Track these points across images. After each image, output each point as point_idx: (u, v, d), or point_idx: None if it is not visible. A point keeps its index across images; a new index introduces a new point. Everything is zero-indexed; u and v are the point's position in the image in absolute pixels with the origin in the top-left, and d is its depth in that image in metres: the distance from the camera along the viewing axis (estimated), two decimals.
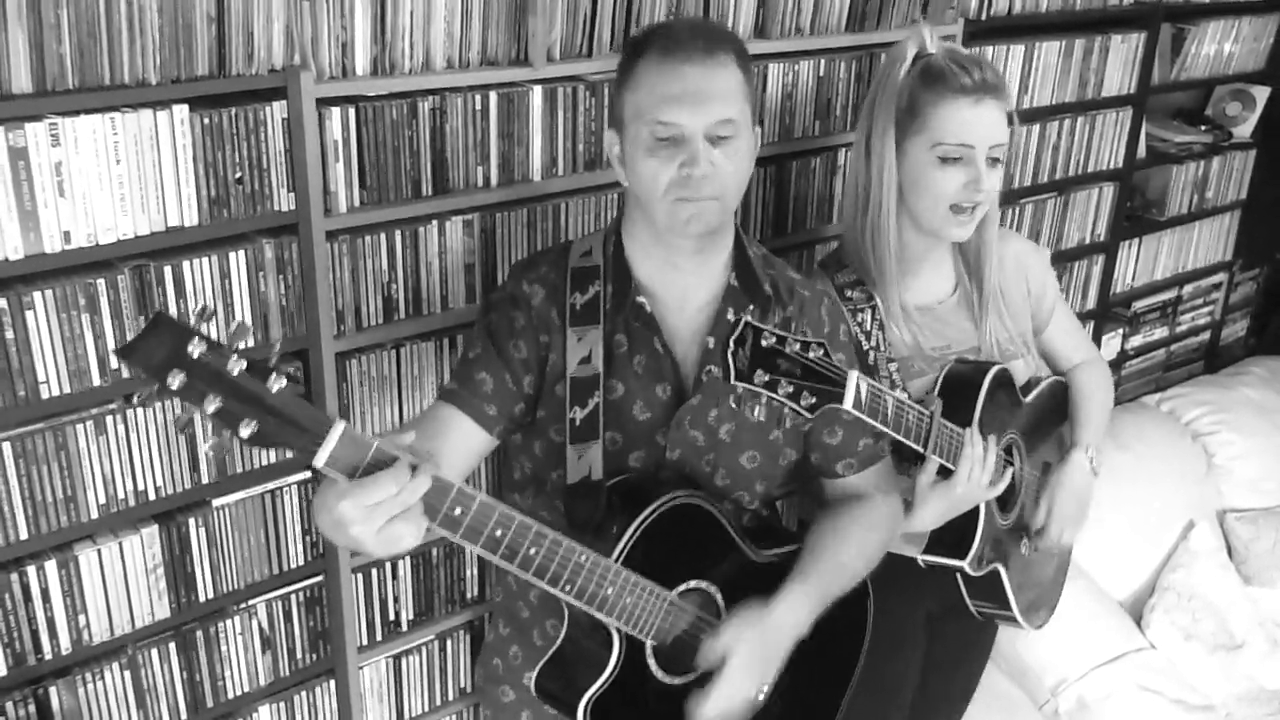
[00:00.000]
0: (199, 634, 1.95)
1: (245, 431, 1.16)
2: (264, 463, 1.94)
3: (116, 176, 1.67)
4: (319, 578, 2.07)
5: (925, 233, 2.01)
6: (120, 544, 1.82)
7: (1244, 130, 3.88)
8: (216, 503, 1.91)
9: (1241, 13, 3.58)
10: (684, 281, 1.72)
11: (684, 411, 1.70)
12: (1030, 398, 2.16)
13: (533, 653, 1.79)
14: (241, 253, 1.81)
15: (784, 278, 1.81)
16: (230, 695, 2.02)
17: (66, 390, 1.71)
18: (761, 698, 1.69)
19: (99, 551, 1.80)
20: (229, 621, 1.98)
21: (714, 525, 1.68)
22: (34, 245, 1.63)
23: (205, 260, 1.78)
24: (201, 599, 1.93)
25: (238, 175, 1.79)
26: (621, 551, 1.56)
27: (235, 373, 1.14)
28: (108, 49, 1.63)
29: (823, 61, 2.44)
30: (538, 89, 2.04)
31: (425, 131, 1.94)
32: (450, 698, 2.31)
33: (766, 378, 1.53)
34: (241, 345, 1.16)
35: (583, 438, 1.66)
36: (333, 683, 2.14)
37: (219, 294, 1.81)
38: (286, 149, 1.82)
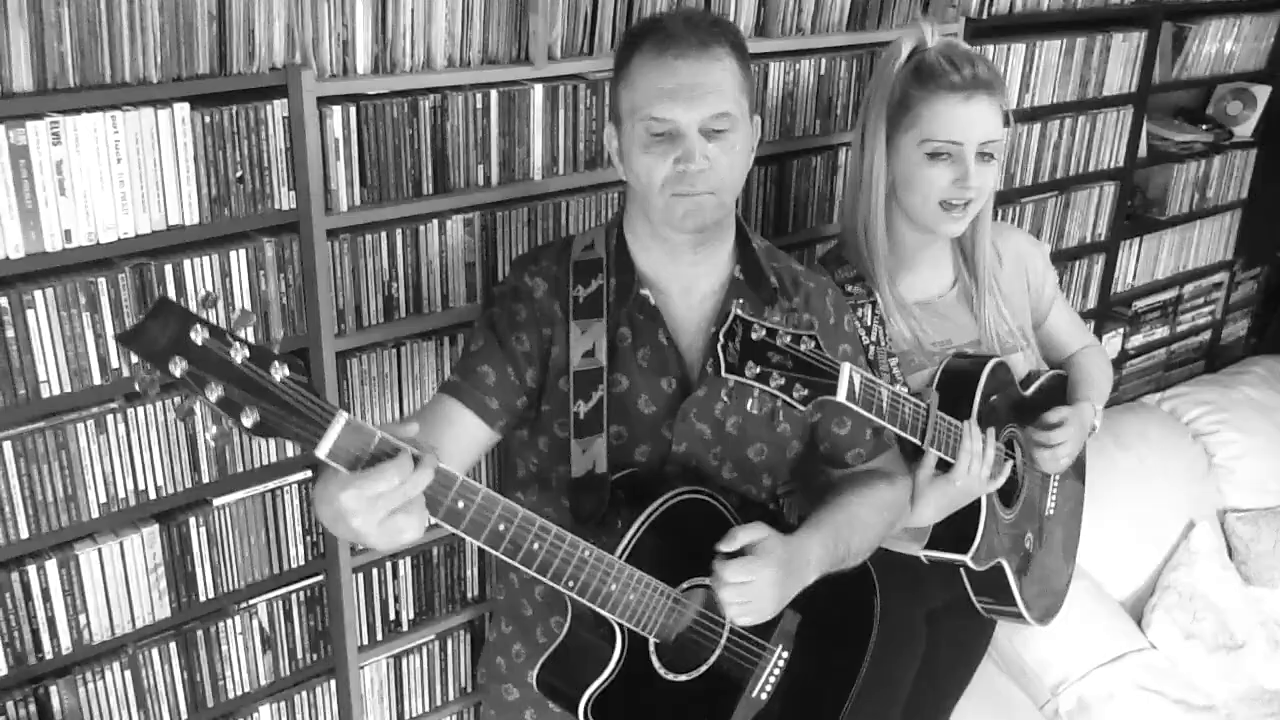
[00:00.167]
0: (199, 633, 1.95)
1: (248, 420, 1.14)
2: (265, 461, 1.93)
3: (117, 175, 1.67)
4: (319, 577, 2.07)
5: (919, 228, 2.02)
6: (121, 543, 1.82)
7: (1245, 129, 3.88)
8: (217, 502, 1.90)
9: (1242, 11, 3.57)
10: (687, 274, 1.72)
11: (689, 404, 1.70)
12: (1030, 391, 2.16)
13: (536, 651, 1.79)
14: (242, 251, 1.81)
15: (788, 270, 1.81)
16: (231, 695, 2.02)
17: (67, 389, 1.71)
18: (761, 616, 1.64)
19: (99, 551, 1.80)
20: (229, 621, 1.97)
21: (718, 520, 1.68)
22: (35, 244, 1.63)
23: (206, 259, 1.78)
24: (202, 598, 1.93)
25: (238, 174, 1.78)
26: (626, 547, 1.56)
27: (238, 360, 1.13)
28: (109, 47, 1.63)
29: (823, 60, 2.44)
30: (538, 87, 2.04)
31: (426, 130, 1.94)
32: (451, 697, 2.31)
33: (758, 370, 1.53)
34: (244, 333, 1.16)
35: (587, 432, 1.66)
36: (333, 682, 2.14)
37: (220, 292, 1.80)
38: (287, 147, 1.81)
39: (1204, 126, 3.81)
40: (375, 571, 2.12)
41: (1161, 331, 3.91)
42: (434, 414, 1.64)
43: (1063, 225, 3.22)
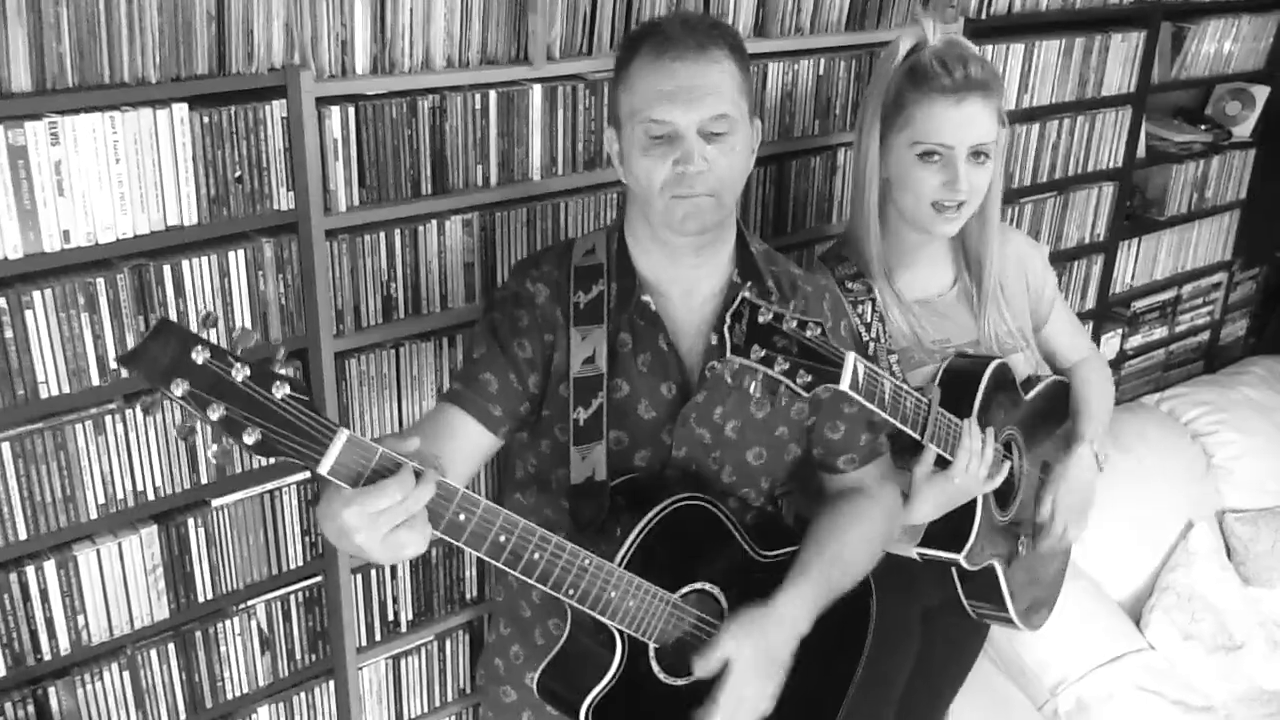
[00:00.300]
0: (198, 635, 1.94)
1: (249, 439, 1.15)
2: (263, 463, 1.93)
3: (116, 175, 1.66)
4: (318, 578, 2.07)
5: (916, 227, 2.02)
6: (119, 544, 1.82)
7: (1244, 129, 3.88)
8: (216, 503, 1.90)
9: (1241, 11, 3.57)
10: (688, 276, 1.72)
11: (689, 409, 1.70)
12: (1030, 395, 2.16)
13: (534, 652, 1.79)
14: (241, 252, 1.81)
15: (786, 273, 1.81)
16: (229, 696, 2.01)
17: (66, 390, 1.70)
18: (770, 706, 1.67)
19: (98, 552, 1.80)
20: (228, 622, 1.97)
21: (718, 526, 1.68)
22: (33, 244, 1.63)
23: (205, 259, 1.78)
24: (200, 599, 1.93)
25: (237, 174, 1.78)
26: (625, 555, 1.56)
27: (239, 380, 1.13)
28: (107, 47, 1.63)
29: (822, 60, 2.44)
30: (537, 88, 2.03)
31: (425, 130, 1.94)
32: (449, 698, 2.31)
33: (763, 353, 1.52)
34: (245, 350, 1.16)
35: (586, 438, 1.66)
36: (332, 683, 2.14)
37: (218, 293, 1.80)
38: (286, 148, 1.81)
39: (1203, 127, 3.81)
40: (374, 573, 2.12)
41: (1160, 332, 3.91)
42: (437, 423, 1.64)
43: (1061, 225, 3.22)
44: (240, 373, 1.13)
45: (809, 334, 1.54)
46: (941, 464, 1.91)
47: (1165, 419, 3.63)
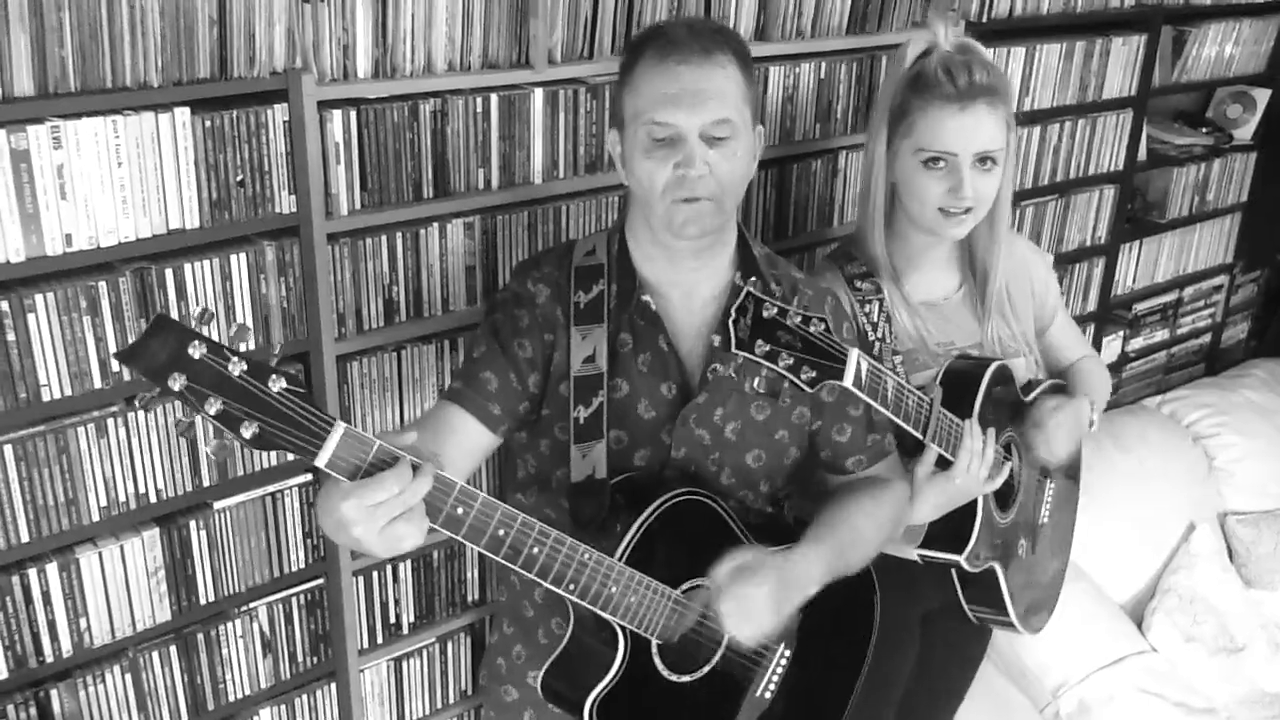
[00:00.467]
0: (200, 637, 1.95)
1: (247, 433, 1.16)
2: (265, 465, 1.94)
3: (118, 179, 1.67)
4: (320, 580, 2.07)
5: (923, 230, 2.02)
6: (121, 547, 1.82)
7: (1245, 132, 3.88)
8: (217, 505, 1.91)
9: (1242, 15, 3.58)
10: (687, 280, 1.72)
11: (689, 410, 1.70)
12: (1031, 397, 2.16)
13: (537, 652, 1.79)
14: (243, 255, 1.82)
15: (788, 276, 1.82)
16: (231, 698, 2.02)
17: (68, 393, 1.71)
18: (761, 631, 1.62)
19: (100, 554, 1.80)
20: (230, 624, 1.98)
21: (719, 522, 1.68)
22: (35, 248, 1.63)
23: (206, 262, 1.78)
24: (202, 601, 1.93)
25: (239, 178, 1.79)
26: (625, 550, 1.56)
27: (236, 374, 1.14)
28: (109, 51, 1.63)
29: (823, 64, 2.44)
30: (539, 91, 2.04)
31: (426, 134, 1.94)
32: (451, 700, 2.31)
33: (767, 348, 1.52)
34: (242, 347, 1.17)
35: (587, 437, 1.66)
36: (334, 685, 2.14)
37: (220, 296, 1.81)
38: (288, 151, 1.82)
39: (1204, 130, 3.81)
40: (375, 575, 2.12)
41: (1161, 334, 3.91)
42: (437, 420, 1.64)
43: (1063, 228, 3.22)
44: (237, 367, 1.14)
45: (813, 330, 1.54)
46: (942, 464, 1.91)
47: (1167, 421, 3.63)
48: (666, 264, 1.71)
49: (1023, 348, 2.17)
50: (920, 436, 1.83)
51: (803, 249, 2.57)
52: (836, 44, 2.47)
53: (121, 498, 1.80)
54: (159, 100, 1.69)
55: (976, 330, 2.13)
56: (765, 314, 1.51)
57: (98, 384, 1.73)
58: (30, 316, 1.65)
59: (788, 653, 1.75)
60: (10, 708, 1.78)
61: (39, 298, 1.65)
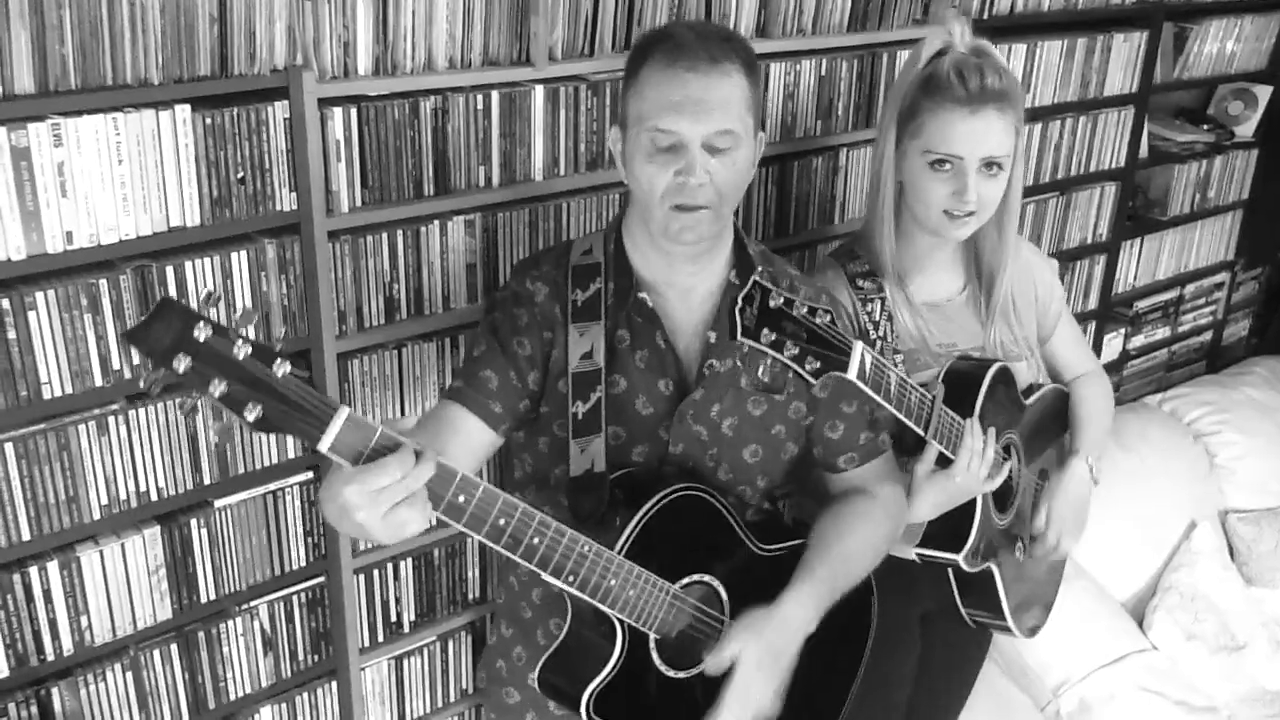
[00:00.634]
0: (201, 635, 1.95)
1: (250, 415, 1.16)
2: (266, 463, 1.94)
3: (119, 176, 1.67)
4: (321, 579, 2.07)
5: (928, 231, 2.02)
6: (122, 545, 1.82)
7: (1246, 129, 3.88)
8: (218, 503, 1.90)
9: (1244, 11, 3.58)
10: (684, 281, 1.73)
11: (686, 405, 1.71)
12: (1031, 401, 2.16)
13: (536, 653, 1.79)
14: (243, 253, 1.81)
15: (784, 274, 1.82)
16: (232, 696, 2.02)
17: (69, 390, 1.71)
18: (776, 705, 1.67)
19: (101, 552, 1.80)
20: (231, 622, 1.97)
21: (717, 518, 1.68)
22: (36, 245, 1.63)
23: (207, 260, 1.78)
24: (203, 600, 1.93)
25: (240, 175, 1.78)
26: (624, 543, 1.56)
27: (241, 356, 1.15)
28: (110, 49, 1.63)
29: (824, 61, 2.44)
30: (539, 89, 2.04)
31: (427, 131, 1.94)
32: (452, 699, 2.31)
33: (773, 337, 1.52)
34: (247, 330, 1.17)
35: (585, 432, 1.66)
36: (334, 684, 2.14)
37: (221, 294, 1.81)
38: (288, 149, 1.82)
39: (1205, 127, 3.81)
40: (376, 573, 2.12)
41: (1163, 332, 3.91)
42: (439, 420, 1.65)
43: (1064, 226, 3.22)
44: (242, 350, 1.15)
45: (818, 321, 1.54)
46: (942, 463, 1.91)
47: (1168, 419, 3.63)
48: (663, 264, 1.71)
49: (1025, 351, 2.17)
50: (921, 433, 1.83)
51: (803, 246, 2.56)
52: (837, 41, 2.47)
53: (122, 495, 1.80)
54: (159, 98, 1.69)
55: (979, 332, 2.12)
56: (772, 303, 1.51)
57: (99, 382, 1.73)
58: (31, 314, 1.64)
59: None
60: (11, 706, 1.78)
61: (40, 295, 1.64)
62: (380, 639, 2.17)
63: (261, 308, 1.86)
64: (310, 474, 1.98)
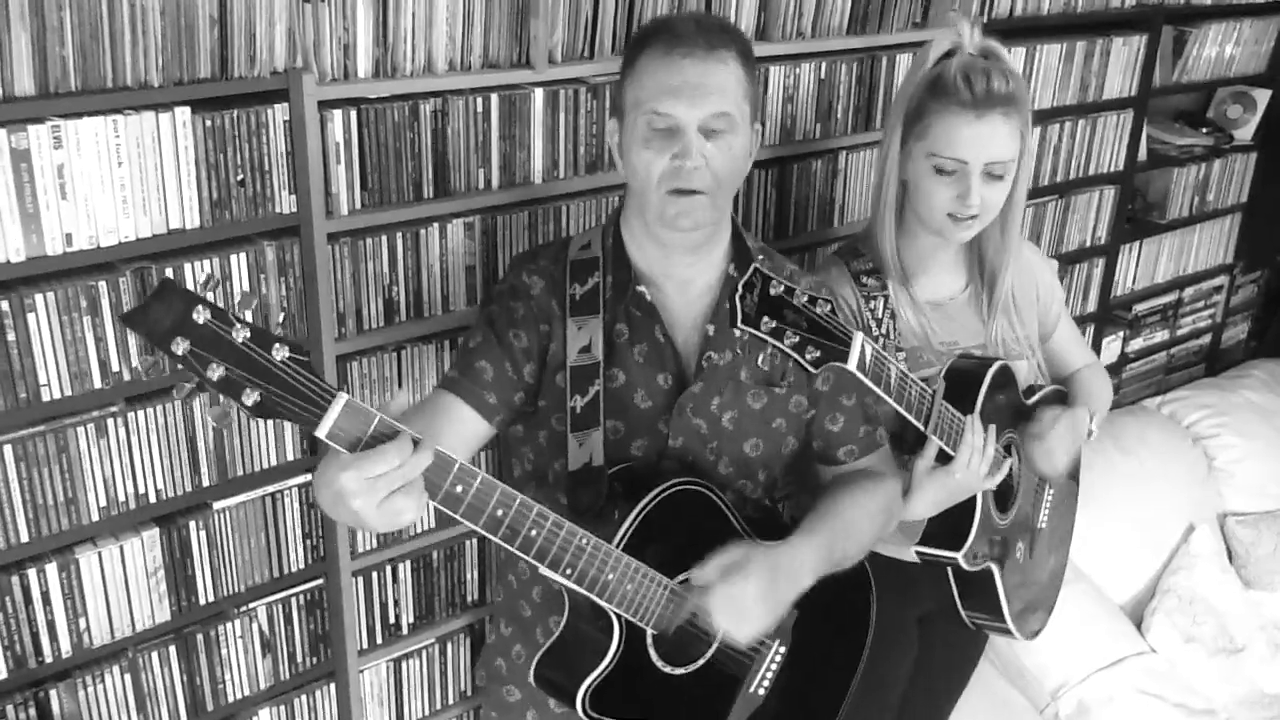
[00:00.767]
0: (199, 637, 1.95)
1: (248, 400, 1.15)
2: (265, 465, 1.94)
3: (118, 178, 1.67)
4: (319, 581, 2.07)
5: (931, 232, 2.02)
6: (121, 547, 1.82)
7: (1245, 133, 3.88)
8: (217, 505, 1.90)
9: (1243, 15, 3.58)
10: (683, 272, 1.73)
11: (686, 399, 1.71)
12: (1032, 401, 2.16)
13: (535, 651, 1.78)
14: (243, 255, 1.81)
15: (783, 269, 1.82)
16: (230, 698, 2.02)
17: (68, 392, 1.71)
18: (753, 630, 1.61)
19: (99, 554, 1.80)
20: (229, 624, 1.97)
21: (716, 513, 1.68)
22: (36, 247, 1.63)
23: (207, 262, 1.78)
24: (202, 602, 1.93)
25: (239, 177, 1.78)
26: (623, 537, 1.56)
27: (240, 341, 1.14)
28: (110, 51, 1.63)
29: (824, 64, 2.44)
30: (539, 91, 2.04)
31: (427, 134, 1.94)
32: (450, 701, 2.31)
33: (773, 325, 1.52)
34: (247, 313, 1.16)
35: (583, 425, 1.66)
36: (333, 686, 2.14)
37: (220, 296, 1.80)
38: (288, 151, 1.82)
39: (1204, 130, 3.81)
40: (375, 575, 2.12)
41: (1161, 335, 3.91)
42: (432, 409, 1.65)
43: (1063, 229, 3.22)
44: (241, 333, 1.14)
45: (819, 310, 1.54)
46: (942, 459, 1.91)
47: (1166, 422, 3.63)
48: (661, 256, 1.72)
49: (1026, 351, 2.17)
50: (921, 427, 1.83)
51: (803, 249, 2.57)
52: (837, 44, 2.47)
53: (121, 497, 1.80)
54: (159, 100, 1.69)
55: (980, 331, 2.13)
56: (772, 291, 1.51)
57: (98, 384, 1.73)
58: (30, 316, 1.64)
59: (782, 650, 1.75)
60: (9, 708, 1.78)
61: (39, 297, 1.64)
62: (379, 641, 2.17)
63: (261, 309, 1.86)
64: (309, 476, 1.98)
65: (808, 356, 1.55)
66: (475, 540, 2.22)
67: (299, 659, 2.08)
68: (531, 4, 1.99)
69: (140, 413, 1.78)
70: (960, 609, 2.15)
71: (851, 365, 1.60)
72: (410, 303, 2.01)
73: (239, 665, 2.01)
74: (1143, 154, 3.46)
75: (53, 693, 1.82)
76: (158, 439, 1.81)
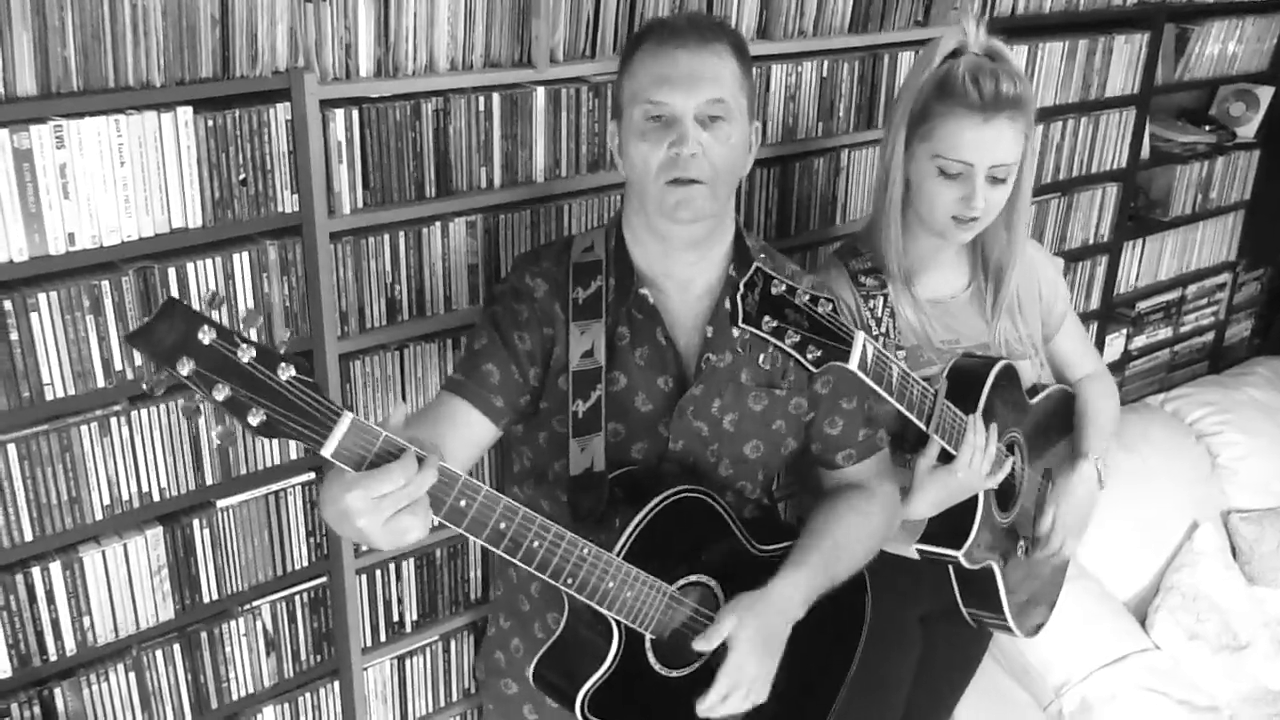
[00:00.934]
0: (203, 635, 1.95)
1: (254, 420, 1.15)
2: (268, 464, 1.94)
3: (121, 178, 1.67)
4: (323, 579, 2.07)
5: (933, 233, 2.02)
6: (125, 545, 1.82)
7: (1248, 130, 3.88)
8: (221, 504, 1.91)
9: (1245, 13, 3.57)
10: (683, 272, 1.73)
11: (686, 401, 1.71)
12: (1036, 400, 2.16)
13: (534, 645, 1.80)
14: (245, 254, 1.82)
15: (784, 269, 1.83)
16: (234, 697, 2.02)
17: (71, 392, 1.71)
18: (767, 687, 1.67)
19: (103, 553, 1.80)
20: (233, 623, 1.98)
21: (715, 519, 1.69)
22: (38, 247, 1.63)
23: (209, 261, 1.78)
24: (206, 600, 1.94)
25: (242, 177, 1.79)
26: (624, 545, 1.56)
27: (245, 361, 1.14)
28: (112, 51, 1.63)
29: (826, 62, 2.44)
30: (541, 90, 2.04)
31: (429, 133, 1.94)
32: (454, 699, 2.31)
33: (774, 324, 1.51)
34: (252, 333, 1.16)
35: (585, 430, 1.67)
36: (337, 684, 2.14)
37: (223, 296, 1.81)
38: (290, 150, 1.82)
39: (1207, 128, 3.81)
40: (379, 573, 2.12)
41: (1165, 332, 3.90)
42: (438, 412, 1.65)
43: (1066, 226, 3.22)
44: (246, 354, 1.14)
45: (820, 309, 1.54)
46: (944, 458, 1.91)
47: (1170, 419, 3.63)
48: (662, 255, 1.72)
49: (1029, 350, 2.17)
50: (923, 426, 1.83)
51: (805, 248, 2.57)
52: (839, 43, 2.47)
53: (125, 496, 1.80)
54: (161, 99, 1.69)
55: (983, 329, 2.12)
56: (774, 290, 1.51)
57: (101, 383, 1.73)
58: (33, 316, 1.65)
59: None
60: (14, 706, 1.78)
61: (42, 297, 1.65)
62: (382, 639, 2.17)
63: (264, 309, 1.86)
64: (312, 474, 1.99)
65: (809, 356, 1.54)
66: None
67: (303, 657, 2.09)
68: (533, 3, 1.99)
69: (143, 412, 1.78)
70: (961, 605, 2.15)
71: (853, 365, 1.60)
72: (413, 302, 2.01)
73: (243, 663, 2.01)
74: (1145, 152, 3.45)
75: (57, 691, 1.82)
76: (161, 438, 1.81)
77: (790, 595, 1.67)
